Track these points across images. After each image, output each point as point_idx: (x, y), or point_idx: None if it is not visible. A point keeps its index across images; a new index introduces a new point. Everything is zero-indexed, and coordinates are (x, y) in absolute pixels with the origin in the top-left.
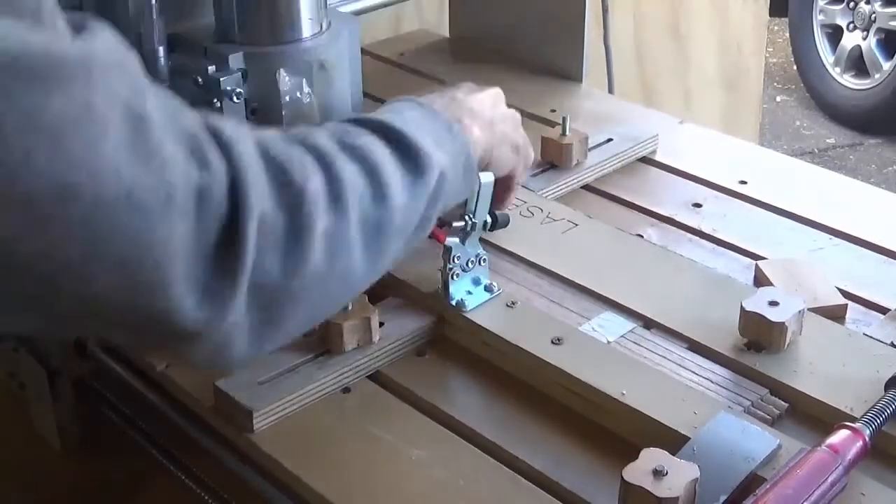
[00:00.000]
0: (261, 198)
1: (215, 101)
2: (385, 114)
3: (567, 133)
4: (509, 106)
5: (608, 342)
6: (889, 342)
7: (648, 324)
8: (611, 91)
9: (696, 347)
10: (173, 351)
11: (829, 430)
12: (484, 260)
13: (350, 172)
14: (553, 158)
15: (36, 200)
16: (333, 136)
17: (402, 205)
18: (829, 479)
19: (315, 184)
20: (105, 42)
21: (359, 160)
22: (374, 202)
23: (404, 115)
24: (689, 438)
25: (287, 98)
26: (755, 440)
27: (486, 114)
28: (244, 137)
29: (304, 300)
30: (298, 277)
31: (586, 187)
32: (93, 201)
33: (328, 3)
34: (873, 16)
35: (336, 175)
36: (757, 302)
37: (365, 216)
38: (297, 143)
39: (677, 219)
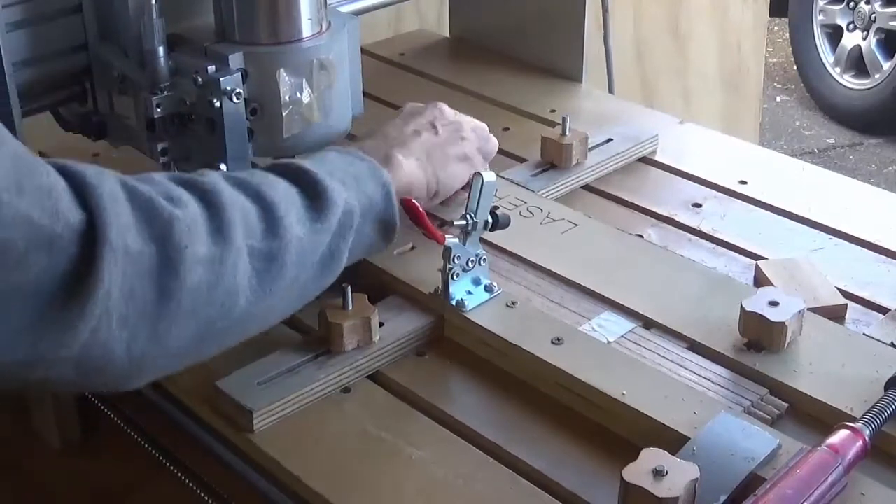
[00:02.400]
0: (122, 234)
1: (215, 100)
2: (302, 158)
3: (567, 133)
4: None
5: (608, 342)
6: (889, 342)
7: (648, 324)
8: (611, 91)
9: (695, 347)
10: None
11: (829, 430)
12: (484, 260)
13: (236, 206)
14: (553, 158)
15: None
16: (231, 176)
17: (298, 238)
18: (829, 480)
19: (187, 213)
20: None
21: (252, 196)
22: (266, 234)
23: (321, 158)
24: (689, 438)
25: (287, 98)
26: (755, 440)
27: (418, 143)
28: (106, 180)
29: (185, 320)
30: (175, 300)
31: (586, 187)
32: None
33: (328, 3)
34: (873, 16)
35: (218, 207)
36: (757, 302)
37: (253, 247)
38: (179, 182)
39: (677, 219)
